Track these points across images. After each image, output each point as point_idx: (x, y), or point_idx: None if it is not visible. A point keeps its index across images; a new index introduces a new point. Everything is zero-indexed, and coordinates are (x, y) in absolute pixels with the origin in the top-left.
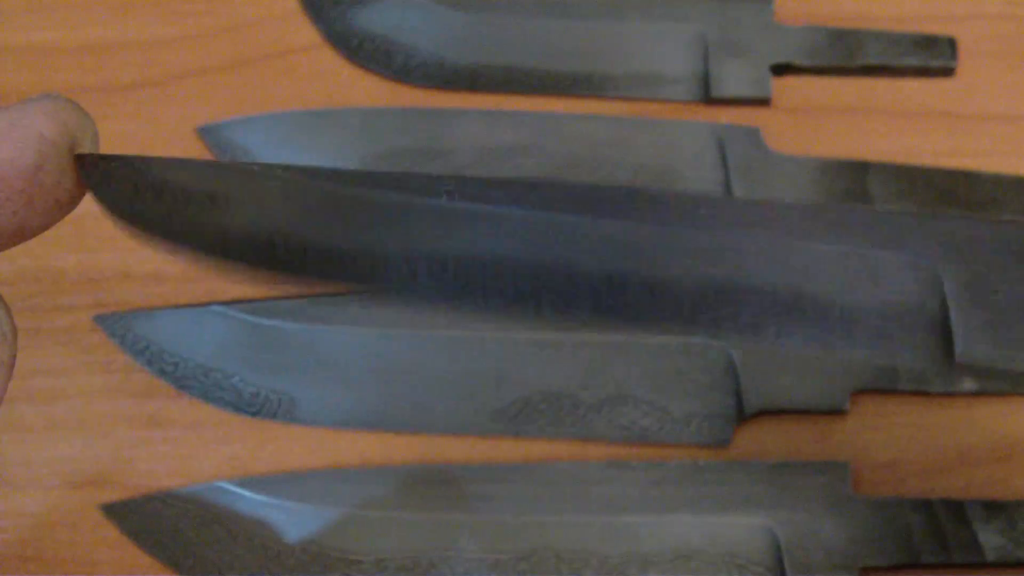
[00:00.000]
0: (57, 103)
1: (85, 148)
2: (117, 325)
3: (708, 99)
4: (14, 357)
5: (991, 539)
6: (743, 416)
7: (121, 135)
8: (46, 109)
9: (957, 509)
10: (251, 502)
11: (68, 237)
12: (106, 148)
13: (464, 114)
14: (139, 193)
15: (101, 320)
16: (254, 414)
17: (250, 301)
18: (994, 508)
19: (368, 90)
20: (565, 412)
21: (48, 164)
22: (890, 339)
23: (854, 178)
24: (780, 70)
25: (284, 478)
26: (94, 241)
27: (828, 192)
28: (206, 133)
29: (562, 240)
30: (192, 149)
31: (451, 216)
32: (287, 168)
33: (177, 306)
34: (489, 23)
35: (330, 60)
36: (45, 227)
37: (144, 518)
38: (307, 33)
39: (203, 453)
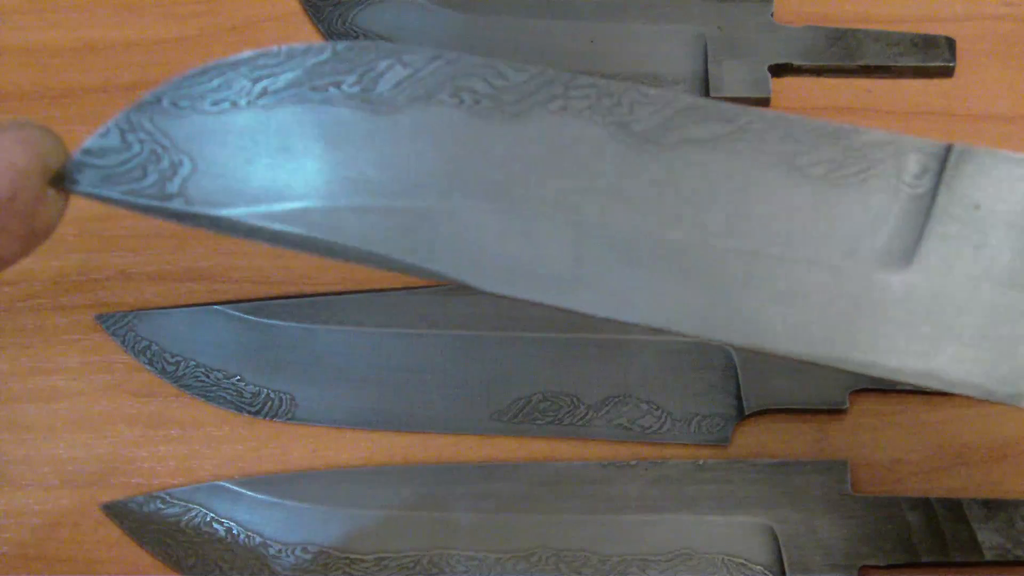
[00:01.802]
0: (26, 131)
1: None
2: (118, 325)
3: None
4: None
5: (989, 538)
6: (743, 415)
7: None
8: (16, 138)
9: (956, 508)
10: (251, 501)
11: (69, 237)
12: None
13: None
14: None
15: (102, 320)
16: (254, 414)
17: (250, 301)
18: (992, 507)
19: None
20: (565, 412)
21: (22, 194)
22: None
23: None
24: (779, 70)
25: (284, 478)
26: (95, 241)
27: None
28: None
29: None
30: None
31: None
32: None
33: (178, 306)
34: (489, 23)
35: None
36: (23, 255)
37: (145, 517)
38: (307, 33)
39: (204, 452)
